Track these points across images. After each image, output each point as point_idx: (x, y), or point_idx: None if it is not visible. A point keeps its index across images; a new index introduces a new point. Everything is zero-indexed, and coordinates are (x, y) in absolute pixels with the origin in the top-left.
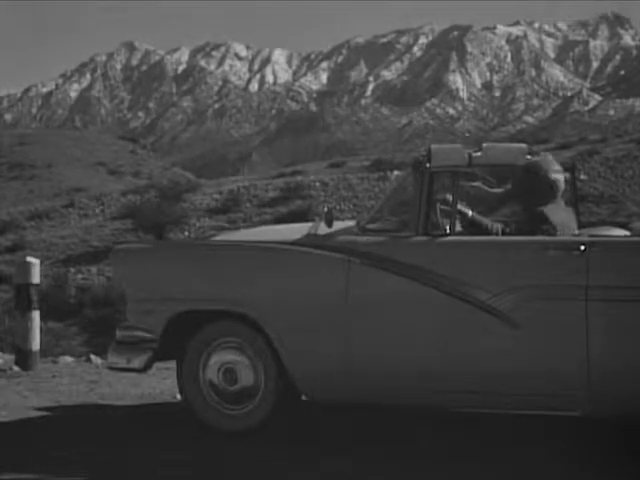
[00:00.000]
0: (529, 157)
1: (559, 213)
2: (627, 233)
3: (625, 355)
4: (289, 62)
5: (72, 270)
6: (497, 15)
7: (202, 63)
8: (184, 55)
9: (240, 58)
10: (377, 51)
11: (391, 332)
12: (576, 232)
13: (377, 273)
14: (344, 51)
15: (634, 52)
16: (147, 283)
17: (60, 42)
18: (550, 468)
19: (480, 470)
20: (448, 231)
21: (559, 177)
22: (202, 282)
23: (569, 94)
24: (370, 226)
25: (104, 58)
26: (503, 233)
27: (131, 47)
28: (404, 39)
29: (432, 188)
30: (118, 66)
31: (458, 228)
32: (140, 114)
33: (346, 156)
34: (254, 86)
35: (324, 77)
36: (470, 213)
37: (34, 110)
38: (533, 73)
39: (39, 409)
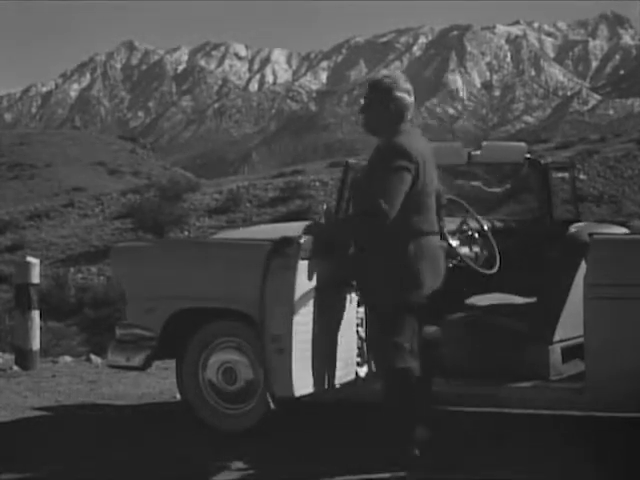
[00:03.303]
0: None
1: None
2: (626, 231)
3: None
4: (289, 62)
5: (72, 270)
6: (497, 15)
7: (202, 63)
8: (184, 55)
9: (240, 58)
10: (377, 50)
11: None
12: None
13: None
14: (344, 50)
15: (634, 52)
16: (146, 281)
17: (60, 42)
18: (550, 467)
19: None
20: None
21: (408, 98)
22: (201, 280)
23: (569, 94)
24: None
25: (104, 58)
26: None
27: (131, 47)
28: (404, 39)
29: None
30: (118, 66)
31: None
32: (140, 114)
33: (346, 156)
34: (254, 86)
35: (324, 77)
36: None
37: (34, 110)
38: (533, 73)
39: (39, 409)
